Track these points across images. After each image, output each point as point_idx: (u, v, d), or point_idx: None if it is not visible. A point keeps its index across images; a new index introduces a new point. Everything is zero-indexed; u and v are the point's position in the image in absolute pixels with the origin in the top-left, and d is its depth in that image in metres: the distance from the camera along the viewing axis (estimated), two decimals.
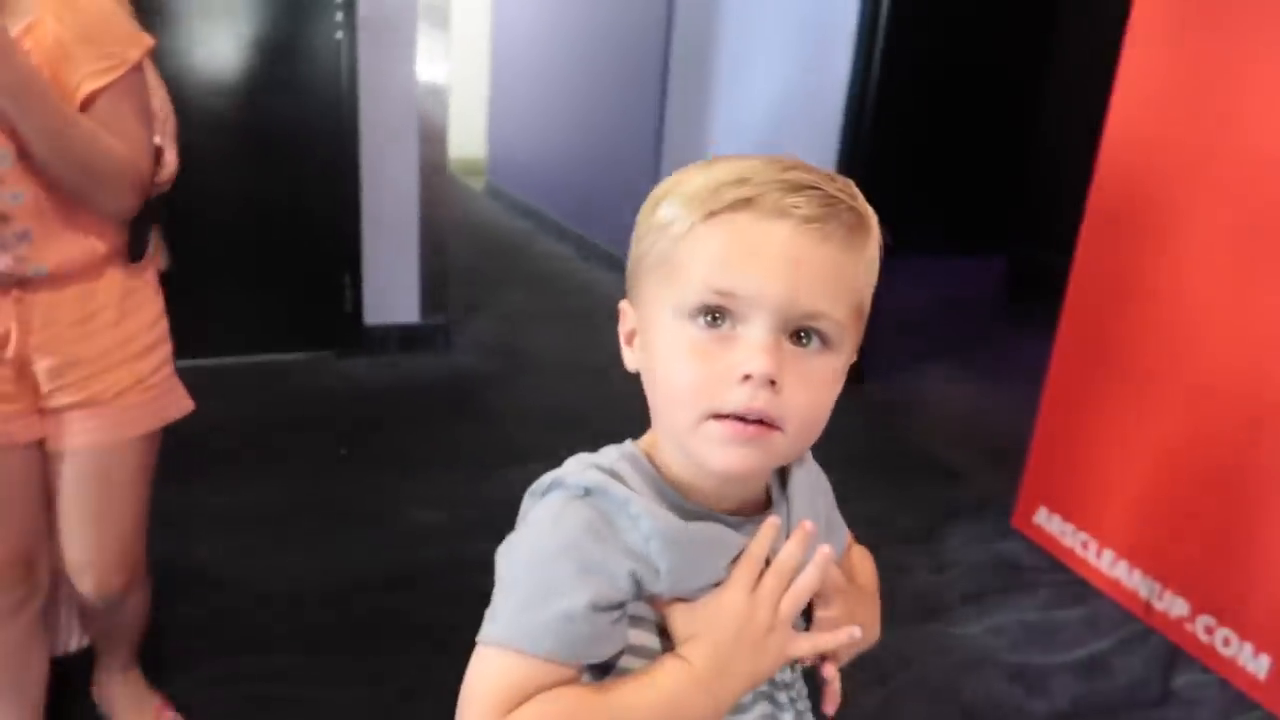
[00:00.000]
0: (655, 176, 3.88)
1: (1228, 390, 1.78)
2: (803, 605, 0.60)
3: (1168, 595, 1.92)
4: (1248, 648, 1.76)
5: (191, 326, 2.66)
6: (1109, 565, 2.05)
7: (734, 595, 0.58)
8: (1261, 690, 1.73)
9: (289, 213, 2.82)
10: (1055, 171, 3.36)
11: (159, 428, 1.21)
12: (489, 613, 0.57)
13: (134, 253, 1.15)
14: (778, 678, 0.63)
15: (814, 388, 0.55)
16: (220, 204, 2.67)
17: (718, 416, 0.54)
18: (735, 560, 0.59)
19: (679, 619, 0.58)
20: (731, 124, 3.44)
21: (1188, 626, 1.87)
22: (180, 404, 1.24)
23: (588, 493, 0.57)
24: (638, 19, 4.00)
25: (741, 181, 0.54)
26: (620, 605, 0.56)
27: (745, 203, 0.54)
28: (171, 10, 2.55)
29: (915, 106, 3.14)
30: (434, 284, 3.05)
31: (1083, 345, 2.10)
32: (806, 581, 0.59)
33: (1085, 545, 2.10)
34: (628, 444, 0.62)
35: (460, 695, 0.57)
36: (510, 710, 0.54)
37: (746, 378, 0.53)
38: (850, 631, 0.61)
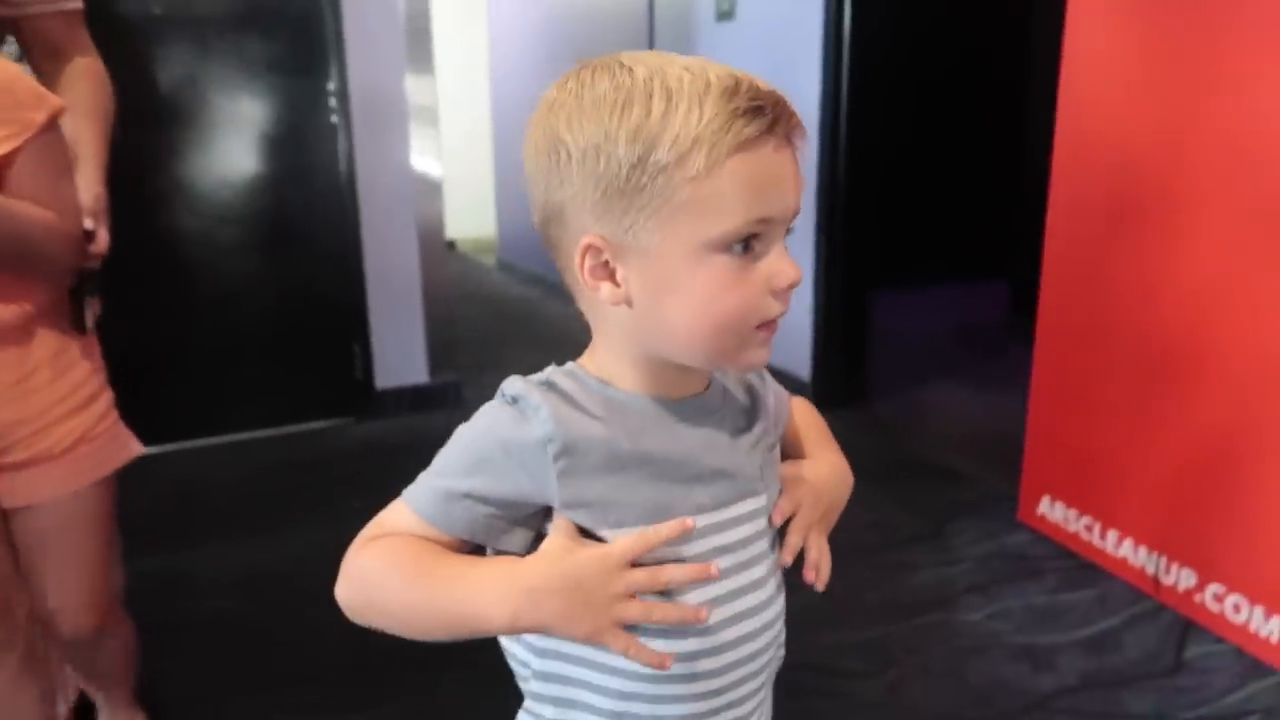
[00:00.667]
0: None
1: (1216, 363, 1.80)
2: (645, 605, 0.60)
3: (1175, 568, 1.91)
4: (1259, 612, 1.74)
5: (217, 404, 2.88)
6: (1115, 545, 2.04)
7: (608, 556, 0.59)
8: (1275, 654, 1.71)
9: (301, 293, 2.98)
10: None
11: (111, 473, 1.24)
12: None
13: (76, 325, 1.19)
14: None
15: None
16: (235, 289, 2.88)
17: (759, 326, 0.60)
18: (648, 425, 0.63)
19: (557, 535, 0.60)
20: None
21: (1197, 597, 1.86)
22: (128, 448, 1.26)
23: (514, 401, 0.62)
24: None
25: (754, 110, 0.56)
26: (501, 506, 0.61)
27: (767, 131, 0.56)
28: (183, 115, 2.75)
29: (890, 123, 3.20)
30: (441, 346, 3.17)
31: (1064, 331, 2.14)
32: (669, 577, 0.60)
33: (1090, 528, 2.10)
34: (563, 366, 0.66)
35: None
36: (368, 541, 0.64)
37: (788, 288, 0.59)
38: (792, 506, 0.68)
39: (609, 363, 0.64)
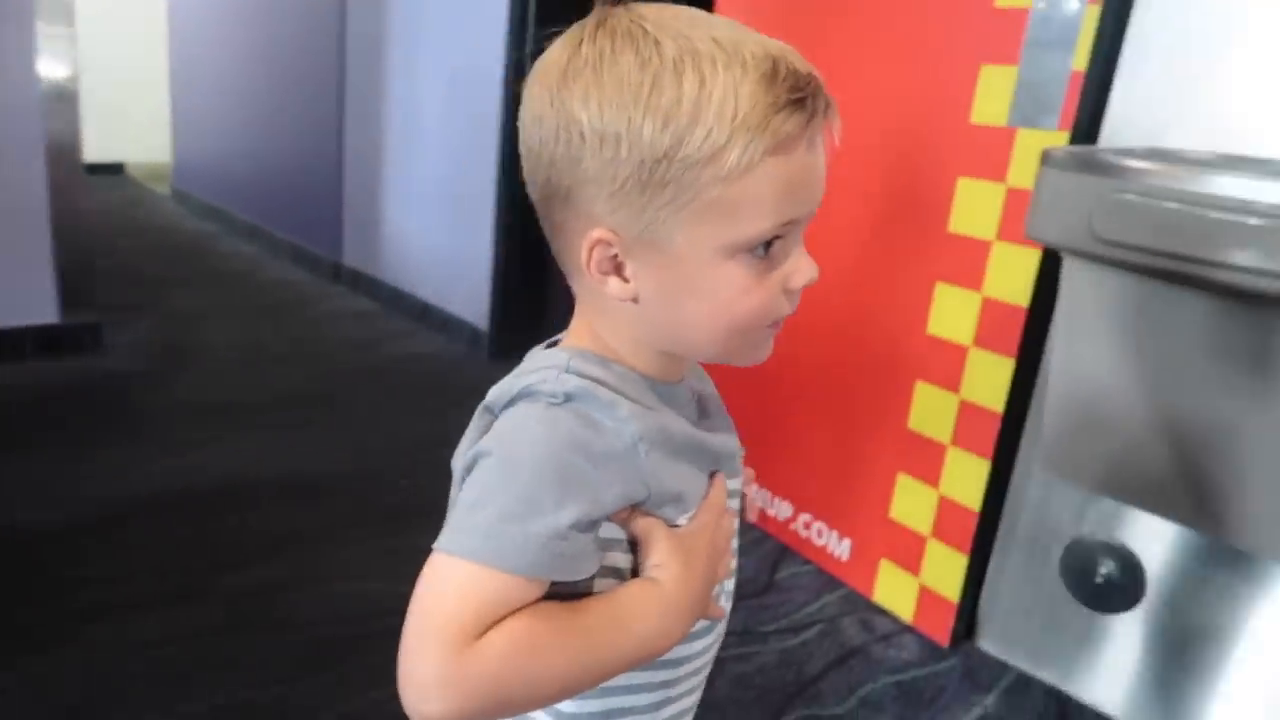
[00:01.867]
0: (339, 172, 3.87)
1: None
2: (731, 558, 0.64)
3: (777, 501, 2.18)
4: (834, 535, 2.04)
5: None
6: None
7: (703, 530, 0.58)
8: (845, 569, 2.02)
9: None
10: None
11: None
12: (455, 523, 0.51)
13: None
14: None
15: None
16: None
17: (770, 324, 0.57)
18: (694, 453, 0.60)
19: (659, 542, 0.56)
20: (408, 116, 3.47)
21: (791, 526, 2.14)
22: None
23: (568, 399, 0.53)
24: (312, 20, 3.94)
25: (795, 103, 0.50)
26: (599, 523, 0.54)
27: (804, 127, 0.51)
28: None
29: None
30: (76, 282, 2.84)
31: None
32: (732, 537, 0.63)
33: None
34: (568, 351, 0.58)
35: (413, 610, 0.50)
36: (481, 631, 0.49)
37: (805, 286, 0.56)
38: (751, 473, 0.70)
39: (615, 346, 0.59)
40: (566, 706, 0.60)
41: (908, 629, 1.84)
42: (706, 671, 0.67)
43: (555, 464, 0.51)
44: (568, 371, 0.55)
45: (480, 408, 0.58)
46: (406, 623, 0.50)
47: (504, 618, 0.49)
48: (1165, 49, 1.40)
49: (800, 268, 0.56)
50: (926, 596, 1.82)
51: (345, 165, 3.88)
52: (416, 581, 0.51)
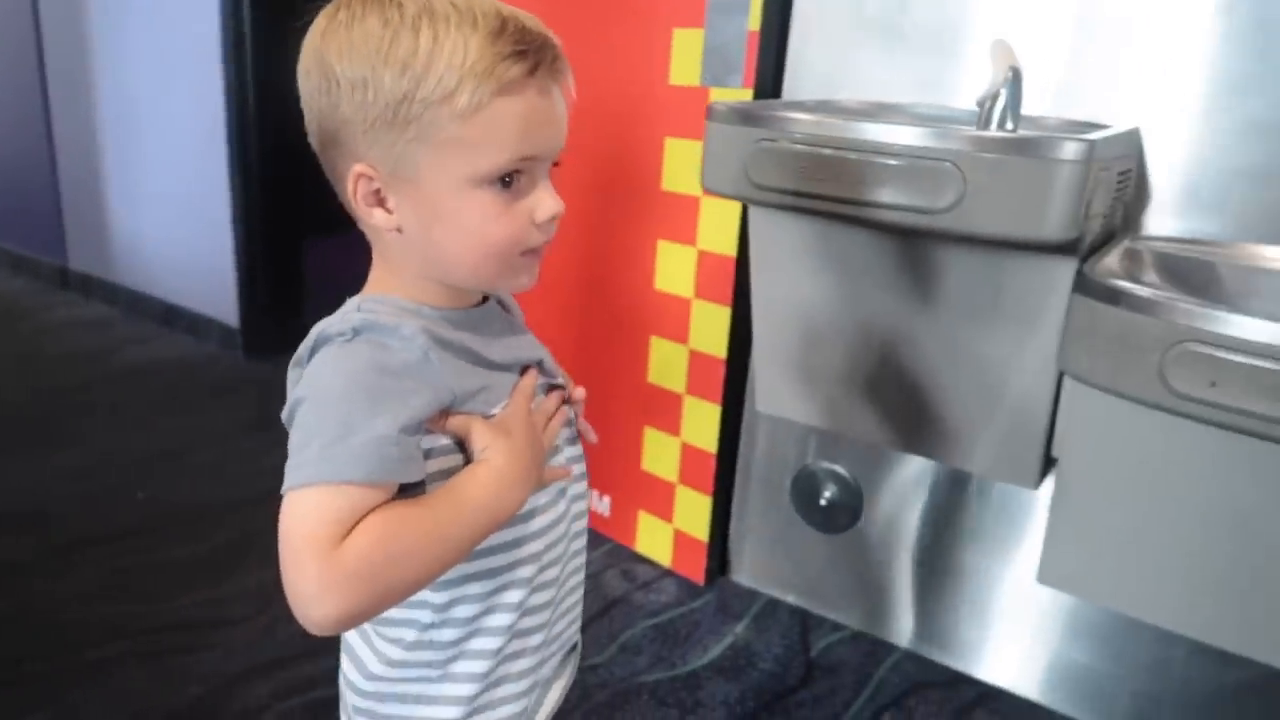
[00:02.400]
0: (51, 166, 3.50)
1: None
2: (558, 430, 0.72)
3: None
4: (593, 494, 2.10)
5: None
6: None
7: (519, 411, 0.66)
8: (608, 525, 2.08)
9: None
10: None
11: None
12: (290, 464, 0.57)
13: None
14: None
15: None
16: None
17: (523, 253, 0.64)
18: (481, 362, 0.66)
19: (479, 430, 0.63)
20: (121, 99, 3.18)
21: None
22: None
23: (356, 333, 0.60)
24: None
25: (518, 54, 0.58)
26: (417, 428, 0.59)
27: (529, 75, 0.59)
28: None
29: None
30: None
31: None
32: (563, 416, 0.72)
33: None
34: (359, 298, 0.66)
35: (281, 547, 0.56)
36: (340, 541, 0.55)
37: (550, 220, 0.63)
38: (582, 391, 0.77)
39: (401, 284, 0.66)
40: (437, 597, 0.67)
41: (667, 573, 1.92)
42: (567, 563, 0.74)
43: (359, 384, 0.58)
44: (357, 311, 0.62)
45: (290, 364, 0.65)
46: (281, 556, 0.56)
47: (358, 522, 0.56)
48: (831, 3, 1.51)
49: (543, 201, 0.63)
50: (681, 540, 1.91)
51: (58, 158, 3.51)
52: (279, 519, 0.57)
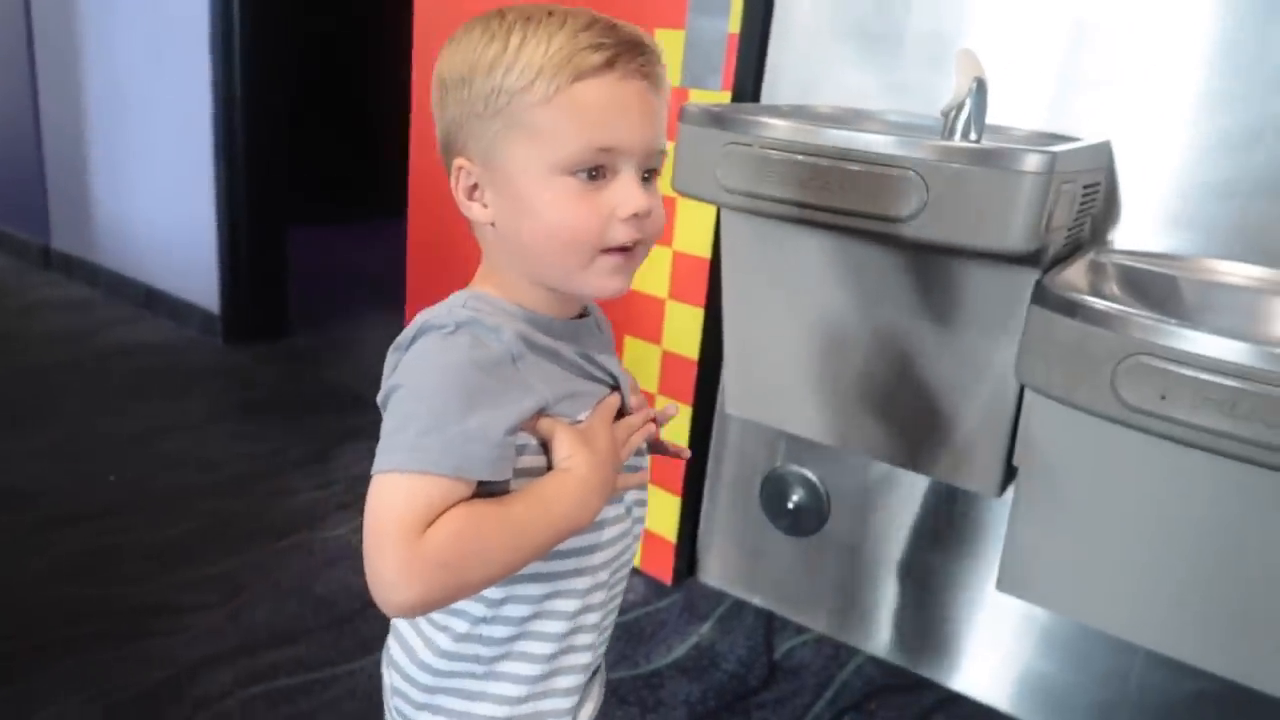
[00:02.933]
0: (37, 144, 3.48)
1: None
2: (637, 446, 0.72)
3: None
4: None
5: None
6: None
7: (603, 424, 0.67)
8: None
9: None
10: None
11: None
12: (382, 448, 0.59)
13: None
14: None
15: (659, 209, 0.66)
16: None
17: (607, 251, 0.64)
18: (574, 370, 0.68)
19: (563, 437, 0.64)
20: (109, 77, 3.17)
21: None
22: None
23: (459, 327, 0.62)
24: None
25: (597, 46, 0.61)
26: (512, 429, 0.61)
27: (608, 66, 0.61)
28: None
29: (287, 44, 3.13)
30: None
31: (426, 261, 2.32)
32: (645, 434, 0.72)
33: None
34: (464, 293, 0.67)
35: (367, 528, 0.58)
36: (423, 529, 0.56)
37: (633, 216, 0.63)
38: (675, 408, 0.79)
39: (505, 285, 0.68)
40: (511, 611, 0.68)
41: (635, 572, 1.93)
42: (616, 583, 0.75)
43: (456, 379, 0.60)
44: (463, 307, 0.65)
45: (390, 349, 0.66)
46: (365, 540, 0.58)
47: (443, 513, 0.57)
48: (810, 9, 1.52)
49: (629, 196, 0.63)
50: (650, 540, 1.91)
51: (44, 137, 3.50)
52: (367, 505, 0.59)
